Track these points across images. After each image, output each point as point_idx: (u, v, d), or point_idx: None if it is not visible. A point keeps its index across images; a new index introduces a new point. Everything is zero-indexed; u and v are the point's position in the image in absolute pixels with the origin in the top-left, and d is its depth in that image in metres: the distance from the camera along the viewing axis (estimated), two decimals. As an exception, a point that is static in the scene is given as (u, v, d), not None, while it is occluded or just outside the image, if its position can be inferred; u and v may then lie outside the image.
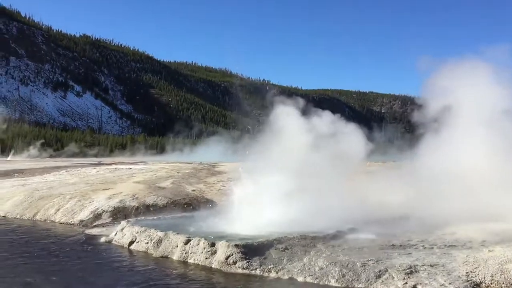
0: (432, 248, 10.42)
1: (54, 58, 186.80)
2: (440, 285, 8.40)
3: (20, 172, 27.48)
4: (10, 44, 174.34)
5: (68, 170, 28.91)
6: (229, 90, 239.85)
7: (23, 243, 13.17)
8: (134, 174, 25.75)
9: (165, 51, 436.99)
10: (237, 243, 10.29)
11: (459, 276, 8.70)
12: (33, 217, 17.28)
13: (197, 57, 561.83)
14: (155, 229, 12.24)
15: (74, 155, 63.04)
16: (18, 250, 12.15)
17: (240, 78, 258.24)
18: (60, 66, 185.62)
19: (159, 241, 11.59)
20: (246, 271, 9.73)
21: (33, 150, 62.32)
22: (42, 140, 70.89)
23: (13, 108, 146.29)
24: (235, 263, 9.92)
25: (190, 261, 10.62)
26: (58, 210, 17.37)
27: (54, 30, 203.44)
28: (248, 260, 9.91)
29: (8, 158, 51.15)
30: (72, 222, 16.25)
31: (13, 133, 70.63)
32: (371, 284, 8.73)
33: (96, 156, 64.13)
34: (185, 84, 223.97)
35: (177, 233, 11.54)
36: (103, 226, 15.44)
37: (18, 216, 17.56)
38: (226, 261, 9.97)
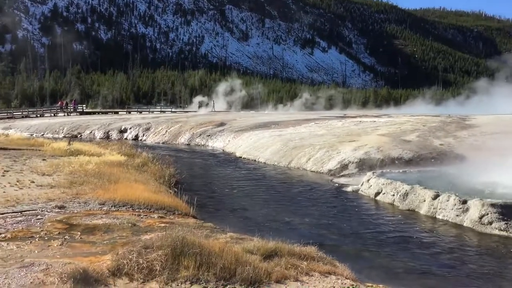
0: None
1: (302, 17, 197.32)
2: None
3: (276, 124, 30.50)
4: (265, 7, 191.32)
5: (316, 122, 30.78)
6: (483, 35, 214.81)
7: (281, 187, 14.81)
8: (378, 127, 25.80)
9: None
10: (493, 202, 9.47)
11: None
12: (288, 164, 19.13)
13: (445, 1, 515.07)
14: (401, 182, 12.19)
15: (320, 108, 66.38)
16: (277, 194, 13.75)
17: (497, 21, 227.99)
18: (307, 23, 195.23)
19: (406, 194, 11.52)
20: (503, 233, 8.92)
21: (285, 105, 68.14)
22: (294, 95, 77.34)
23: (268, 66, 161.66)
24: (490, 223, 9.18)
25: (439, 217, 10.29)
26: (309, 159, 18.81)
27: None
28: (506, 222, 9.05)
29: (266, 112, 57.17)
30: (321, 171, 17.42)
31: (269, 89, 78.47)
32: None
33: (341, 109, 66.28)
34: (432, 32, 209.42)
35: (425, 188, 11.26)
36: (349, 176, 16.12)
37: (275, 163, 19.70)
38: (480, 221, 9.32)
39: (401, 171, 15.01)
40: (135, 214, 8.46)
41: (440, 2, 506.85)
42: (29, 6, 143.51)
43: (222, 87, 69.22)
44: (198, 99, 64.52)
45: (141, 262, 5.29)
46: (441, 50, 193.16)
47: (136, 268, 5.19)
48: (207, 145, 28.20)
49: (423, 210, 10.75)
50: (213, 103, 61.47)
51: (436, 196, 10.60)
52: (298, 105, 66.89)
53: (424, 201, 10.87)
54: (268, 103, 69.40)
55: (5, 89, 64.90)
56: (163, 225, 7.69)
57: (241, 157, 22.30)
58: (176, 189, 12.24)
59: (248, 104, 67.97)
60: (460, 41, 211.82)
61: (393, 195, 11.89)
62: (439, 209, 10.36)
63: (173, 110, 56.59)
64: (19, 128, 35.73)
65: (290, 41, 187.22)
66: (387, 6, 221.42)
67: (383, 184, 12.58)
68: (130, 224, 7.56)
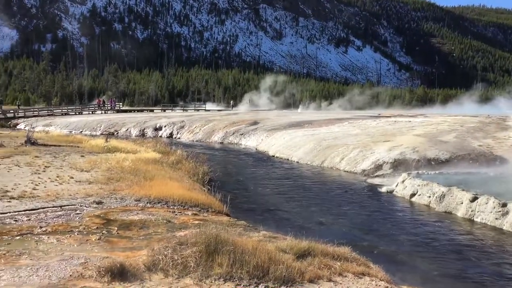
0: None
1: (337, 15, 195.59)
2: None
3: (309, 123, 30.34)
4: (299, 6, 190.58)
5: (350, 122, 30.45)
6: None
7: (315, 187, 14.73)
8: (413, 127, 25.34)
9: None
10: (535, 206, 9.17)
11: None
12: (321, 164, 19.01)
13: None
14: (438, 183, 11.94)
15: (355, 107, 65.62)
16: (310, 193, 13.69)
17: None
18: (342, 22, 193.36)
19: (442, 196, 11.27)
20: (546, 238, 8.63)
21: (318, 103, 67.68)
22: (326, 94, 76.93)
23: (301, 65, 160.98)
24: (531, 227, 8.89)
25: (477, 219, 10.03)
26: (342, 159, 18.64)
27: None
28: (548, 227, 8.75)
29: (299, 111, 56.91)
30: (355, 171, 17.23)
31: (302, 88, 78.17)
32: None
33: (374, 108, 65.38)
34: (471, 30, 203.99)
35: (462, 189, 10.99)
36: (383, 177, 15.88)
37: (308, 162, 19.60)
38: (520, 225, 9.04)
39: (437, 172, 14.70)
40: (169, 211, 8.60)
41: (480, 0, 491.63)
42: (69, 6, 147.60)
43: (266, 83, 69.81)
44: (248, 96, 65.49)
45: (176, 258, 5.37)
46: (480, 49, 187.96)
47: (171, 264, 5.27)
48: (240, 144, 28.33)
49: (461, 212, 10.49)
50: (249, 101, 62.01)
51: (474, 199, 10.33)
52: (343, 103, 66.47)
53: (462, 203, 10.61)
54: (310, 101, 69.18)
55: (45, 87, 67.02)
56: (197, 222, 7.78)
57: (274, 156, 22.30)
58: (209, 187, 12.35)
59: (289, 103, 68.14)
60: (501, 39, 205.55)
61: (429, 196, 11.66)
62: (478, 211, 10.10)
63: (206, 108, 57.05)
64: (59, 125, 36.82)
65: (324, 39, 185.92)
66: (424, 4, 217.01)
67: (419, 185, 12.35)
68: (165, 221, 7.68)
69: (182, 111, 52.77)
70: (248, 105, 61.43)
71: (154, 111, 52.16)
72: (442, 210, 10.97)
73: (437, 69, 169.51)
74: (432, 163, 16.59)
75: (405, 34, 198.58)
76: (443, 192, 11.32)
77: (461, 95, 77.73)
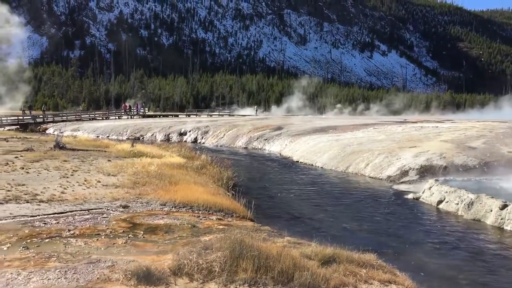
0: None
1: (362, 20, 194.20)
2: None
3: (334, 129, 30.17)
4: (323, 11, 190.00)
5: (375, 127, 30.14)
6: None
7: (339, 193, 14.61)
8: (440, 133, 24.93)
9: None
10: None
11: None
12: (345, 169, 18.86)
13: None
14: (466, 190, 11.69)
15: (379, 113, 65.03)
16: (335, 199, 13.58)
17: None
18: (367, 27, 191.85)
19: (471, 203, 11.03)
20: None
21: (343, 109, 67.40)
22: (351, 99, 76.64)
23: (326, 70, 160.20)
24: None
25: (507, 228, 9.78)
26: (367, 165, 18.45)
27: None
28: None
29: (323, 116, 56.64)
30: (380, 177, 17.02)
31: (326, 93, 77.86)
32: None
33: (401, 114, 64.66)
34: (500, 34, 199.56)
35: (492, 197, 10.73)
36: (409, 183, 15.65)
37: (333, 168, 19.47)
38: (552, 234, 8.77)
39: (465, 178, 14.42)
40: (194, 216, 8.65)
41: (509, 3, 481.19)
42: (97, 13, 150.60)
43: (299, 86, 70.35)
44: (284, 101, 66.47)
45: (200, 262, 5.39)
46: (509, 53, 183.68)
47: (196, 269, 5.30)
48: (264, 149, 28.33)
49: (490, 220, 10.25)
50: (271, 107, 62.56)
51: (504, 206, 10.09)
52: (381, 108, 66.38)
53: (491, 211, 10.37)
54: (326, 107, 69.03)
55: (74, 92, 68.48)
56: (221, 227, 7.80)
57: (298, 161, 22.22)
58: (233, 192, 12.38)
59: (318, 107, 68.26)
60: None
61: (457, 203, 11.43)
62: (507, 219, 9.85)
63: (231, 114, 57.26)
64: (86, 130, 37.50)
65: (349, 44, 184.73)
66: (452, 8, 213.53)
67: (446, 192, 12.12)
68: (190, 225, 7.73)
69: (207, 116, 53.15)
70: (283, 110, 62.51)
71: (179, 116, 52.66)
72: (470, 218, 10.73)
73: (465, 74, 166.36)
74: (460, 169, 16.27)
75: (431, 38, 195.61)
76: (471, 199, 11.08)
77: (501, 100, 75.92)
